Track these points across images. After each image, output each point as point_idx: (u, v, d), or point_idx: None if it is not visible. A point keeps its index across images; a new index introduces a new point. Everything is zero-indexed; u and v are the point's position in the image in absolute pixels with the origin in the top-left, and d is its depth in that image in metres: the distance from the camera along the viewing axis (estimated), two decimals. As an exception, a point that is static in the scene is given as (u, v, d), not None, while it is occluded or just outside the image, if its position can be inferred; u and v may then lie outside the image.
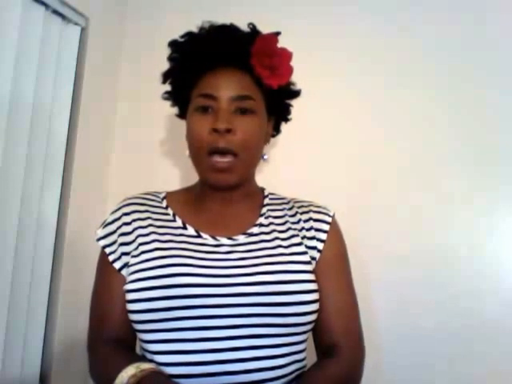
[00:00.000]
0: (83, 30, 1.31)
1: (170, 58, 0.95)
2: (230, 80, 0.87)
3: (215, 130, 0.84)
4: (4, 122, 1.07)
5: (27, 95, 1.13)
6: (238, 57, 0.88)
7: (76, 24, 1.29)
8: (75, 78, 1.29)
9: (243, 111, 0.87)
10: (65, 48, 1.26)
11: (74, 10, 1.26)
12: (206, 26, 0.92)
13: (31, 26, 1.13)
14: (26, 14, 1.11)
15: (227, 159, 0.84)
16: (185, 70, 0.92)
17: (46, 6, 1.18)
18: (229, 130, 0.84)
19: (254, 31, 0.92)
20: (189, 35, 0.92)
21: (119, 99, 1.47)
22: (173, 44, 0.94)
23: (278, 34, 0.91)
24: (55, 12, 1.22)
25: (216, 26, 0.91)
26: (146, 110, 1.43)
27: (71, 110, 1.28)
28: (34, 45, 1.14)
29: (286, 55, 0.92)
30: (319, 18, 1.32)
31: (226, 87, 0.86)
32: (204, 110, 0.87)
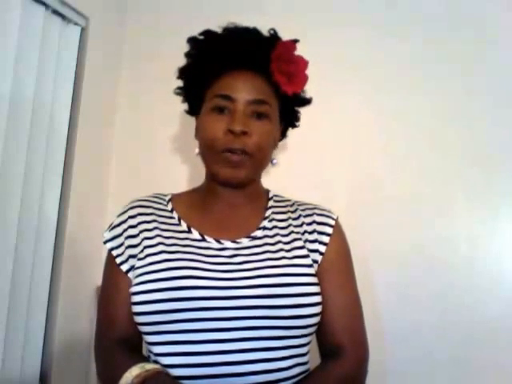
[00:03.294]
0: (83, 30, 1.31)
1: (188, 54, 0.94)
2: (248, 83, 0.87)
3: (231, 132, 0.84)
4: (4, 121, 1.07)
5: (27, 95, 1.13)
6: (257, 60, 0.88)
7: (76, 24, 1.29)
8: (75, 78, 1.29)
9: (259, 115, 0.87)
10: (65, 48, 1.26)
11: (74, 9, 1.26)
12: (230, 26, 0.91)
13: (31, 26, 1.13)
14: (26, 13, 1.11)
15: (240, 155, 0.85)
16: (202, 68, 0.91)
17: (46, 6, 1.18)
18: (245, 133, 0.84)
19: (274, 36, 0.91)
20: (208, 33, 0.92)
21: (119, 99, 1.47)
22: (192, 40, 0.93)
23: (296, 41, 0.91)
24: (55, 12, 1.22)
25: (239, 27, 0.91)
26: (146, 110, 1.43)
27: (71, 109, 1.29)
28: (34, 45, 1.14)
29: (303, 63, 0.92)
30: (323, 26, 1.33)
31: (244, 90, 0.86)
32: (220, 110, 0.87)
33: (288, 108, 0.95)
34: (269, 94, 0.88)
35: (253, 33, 0.91)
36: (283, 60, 0.88)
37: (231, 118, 0.85)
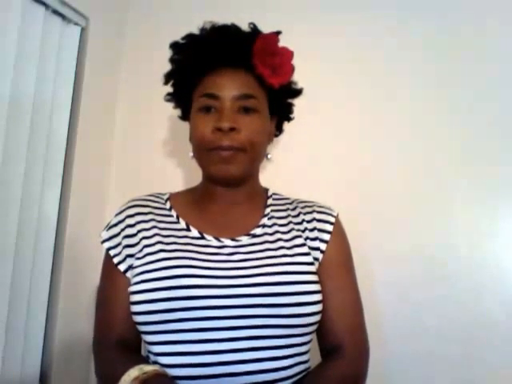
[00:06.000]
0: (83, 30, 1.31)
1: (172, 60, 0.95)
2: (232, 79, 0.87)
3: (219, 129, 0.84)
4: (4, 121, 1.07)
5: (27, 95, 1.13)
6: (239, 56, 0.88)
7: (76, 24, 1.29)
8: (75, 78, 1.29)
9: (246, 110, 0.87)
10: (65, 48, 1.26)
11: (74, 9, 1.26)
12: (208, 26, 0.92)
13: (31, 26, 1.13)
14: (26, 13, 1.11)
15: (231, 151, 0.84)
16: (187, 70, 0.92)
17: (46, 5, 1.18)
18: (233, 129, 0.84)
19: (254, 31, 0.92)
20: (190, 37, 0.93)
21: (119, 99, 1.47)
22: (174, 45, 0.94)
23: (278, 33, 0.91)
24: (55, 12, 1.22)
25: (217, 26, 0.92)
26: (146, 110, 1.43)
27: (71, 109, 1.28)
28: (34, 45, 1.14)
29: (287, 54, 0.92)
30: (320, 21, 1.33)
31: (229, 86, 0.86)
32: (207, 109, 0.87)
33: (278, 100, 0.95)
34: (255, 88, 0.88)
35: (233, 30, 0.91)
36: (266, 53, 0.88)
37: (218, 116, 0.85)
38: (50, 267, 1.23)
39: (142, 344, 0.87)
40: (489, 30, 1.22)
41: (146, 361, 0.81)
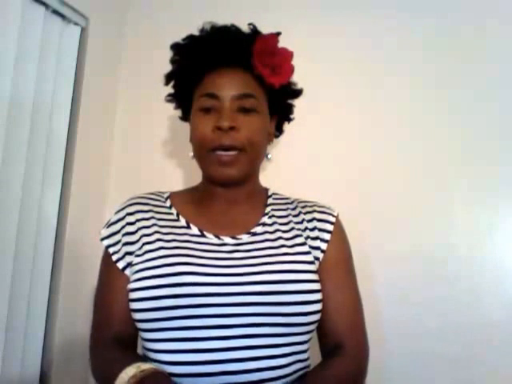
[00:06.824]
0: (83, 30, 1.31)
1: (172, 61, 0.95)
2: (232, 79, 0.88)
3: (219, 128, 0.84)
4: (4, 121, 1.07)
5: (27, 95, 1.13)
6: (239, 57, 0.89)
7: (76, 24, 1.29)
8: (75, 78, 1.29)
9: (246, 110, 0.87)
10: (65, 48, 1.26)
11: (74, 9, 1.26)
12: (208, 27, 0.93)
13: (31, 26, 1.13)
14: (26, 14, 1.11)
15: (232, 153, 0.85)
16: (187, 70, 0.93)
17: (46, 5, 1.18)
18: (232, 128, 0.84)
19: (254, 31, 0.93)
20: (190, 38, 0.93)
21: (119, 99, 1.47)
22: (175, 46, 0.95)
23: (278, 34, 0.92)
24: (55, 12, 1.22)
25: (217, 26, 0.92)
26: (146, 110, 1.43)
27: (71, 109, 1.28)
28: (34, 45, 1.14)
29: (287, 54, 0.92)
30: (320, 22, 1.33)
31: (229, 86, 0.87)
32: (207, 109, 0.88)
33: (279, 101, 0.95)
34: (255, 88, 0.89)
35: (232, 30, 0.92)
36: (266, 53, 0.89)
37: (218, 116, 0.85)
38: (50, 267, 1.23)
39: (138, 342, 0.87)
40: (489, 30, 1.22)
41: (142, 359, 0.81)
